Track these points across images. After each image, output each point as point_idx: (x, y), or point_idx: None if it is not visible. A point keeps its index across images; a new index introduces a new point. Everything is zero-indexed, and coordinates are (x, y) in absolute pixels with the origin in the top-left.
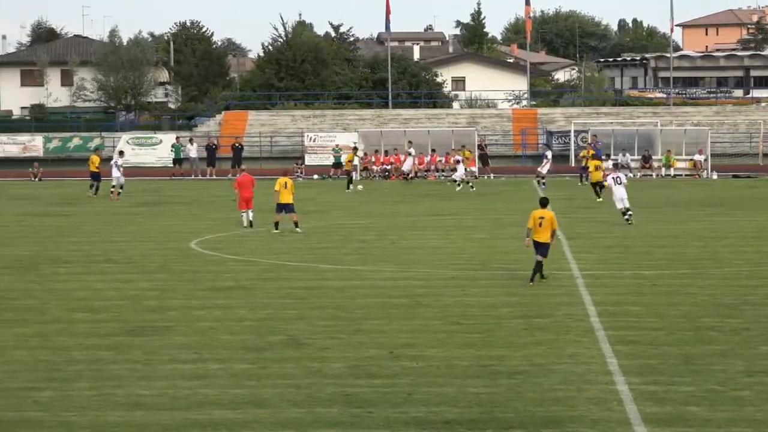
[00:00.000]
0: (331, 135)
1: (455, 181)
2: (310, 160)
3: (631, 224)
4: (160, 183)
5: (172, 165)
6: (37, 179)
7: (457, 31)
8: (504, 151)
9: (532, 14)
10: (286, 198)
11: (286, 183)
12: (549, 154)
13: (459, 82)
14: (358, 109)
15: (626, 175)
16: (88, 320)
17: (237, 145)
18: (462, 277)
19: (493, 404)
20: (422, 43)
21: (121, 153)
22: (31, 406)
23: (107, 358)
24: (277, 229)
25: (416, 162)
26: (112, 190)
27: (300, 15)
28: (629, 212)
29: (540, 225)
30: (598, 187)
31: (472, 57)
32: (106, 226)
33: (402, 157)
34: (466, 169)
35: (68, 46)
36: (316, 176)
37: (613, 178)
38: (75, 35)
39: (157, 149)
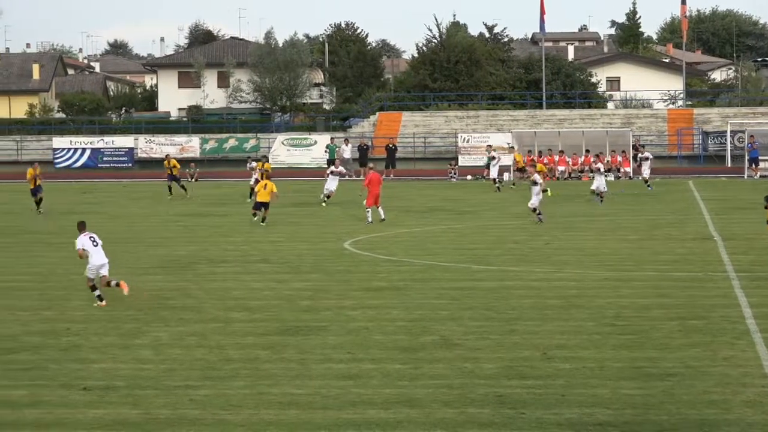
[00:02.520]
0: (484, 135)
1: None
2: (463, 160)
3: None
4: (314, 183)
5: (326, 165)
6: (193, 180)
7: (612, 31)
8: (659, 152)
9: (688, 13)
10: (263, 197)
11: (266, 185)
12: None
13: (614, 82)
14: (511, 109)
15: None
16: (244, 319)
17: (391, 145)
18: (616, 278)
19: (646, 406)
20: (577, 43)
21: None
22: (188, 405)
23: (263, 357)
24: (263, 221)
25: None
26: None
27: (454, 16)
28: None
29: None
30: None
31: (627, 57)
32: (261, 227)
33: (545, 159)
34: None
35: (225, 47)
36: (469, 177)
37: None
38: (231, 37)
39: (311, 150)
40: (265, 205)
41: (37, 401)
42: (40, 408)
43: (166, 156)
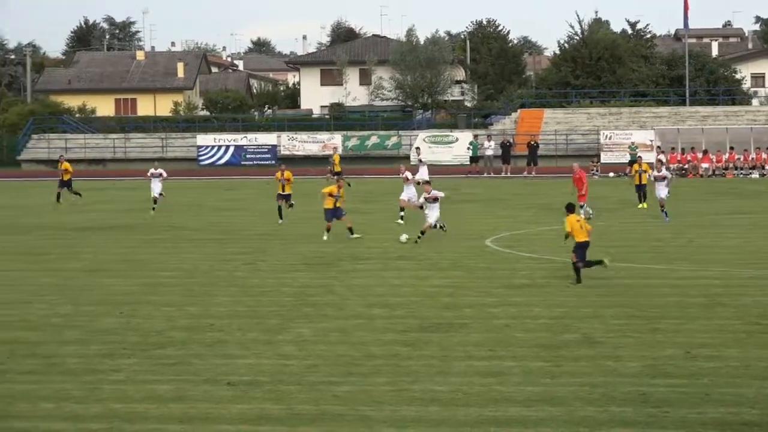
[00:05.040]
0: (627, 133)
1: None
2: (605, 158)
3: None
4: (456, 181)
5: (468, 162)
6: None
7: (757, 27)
8: None
9: None
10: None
11: (331, 192)
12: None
13: (758, 79)
14: (654, 106)
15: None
16: (385, 316)
17: (533, 143)
18: (761, 276)
19: None
20: (721, 40)
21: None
22: (331, 400)
23: (404, 354)
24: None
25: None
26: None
27: (596, 12)
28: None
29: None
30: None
31: None
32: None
33: (688, 156)
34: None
35: (366, 45)
36: (612, 174)
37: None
38: (373, 35)
39: (452, 147)
40: (338, 210)
41: (183, 396)
42: (185, 402)
43: (60, 157)
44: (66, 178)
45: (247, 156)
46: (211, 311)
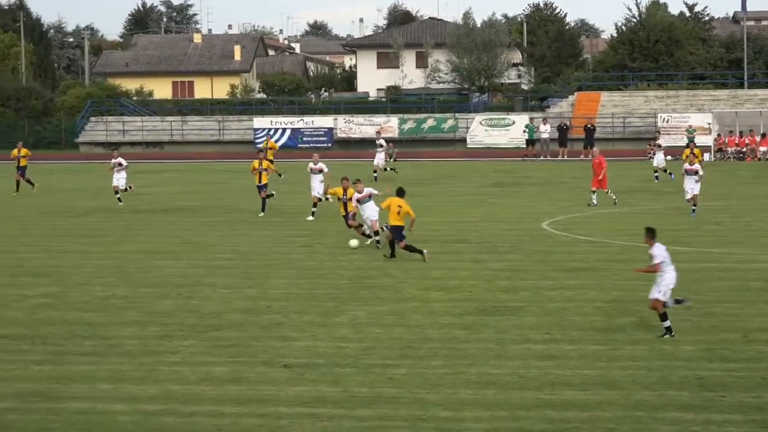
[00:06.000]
0: (684, 116)
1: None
2: (663, 141)
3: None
4: (512, 164)
5: (525, 146)
6: (392, 159)
7: None
8: None
9: None
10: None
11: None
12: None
13: None
14: (712, 89)
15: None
16: (442, 299)
17: (589, 125)
18: None
19: None
20: None
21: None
22: (386, 383)
23: (461, 337)
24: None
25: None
26: None
27: None
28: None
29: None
30: None
31: None
32: (460, 207)
33: (754, 139)
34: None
35: (423, 28)
36: (669, 157)
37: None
38: (430, 17)
39: (509, 130)
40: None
41: (239, 377)
42: (242, 384)
43: (18, 144)
44: (23, 164)
45: (304, 139)
46: (268, 294)
